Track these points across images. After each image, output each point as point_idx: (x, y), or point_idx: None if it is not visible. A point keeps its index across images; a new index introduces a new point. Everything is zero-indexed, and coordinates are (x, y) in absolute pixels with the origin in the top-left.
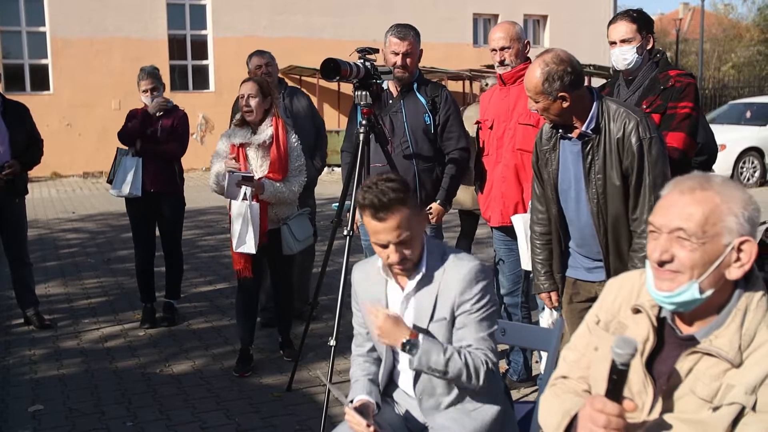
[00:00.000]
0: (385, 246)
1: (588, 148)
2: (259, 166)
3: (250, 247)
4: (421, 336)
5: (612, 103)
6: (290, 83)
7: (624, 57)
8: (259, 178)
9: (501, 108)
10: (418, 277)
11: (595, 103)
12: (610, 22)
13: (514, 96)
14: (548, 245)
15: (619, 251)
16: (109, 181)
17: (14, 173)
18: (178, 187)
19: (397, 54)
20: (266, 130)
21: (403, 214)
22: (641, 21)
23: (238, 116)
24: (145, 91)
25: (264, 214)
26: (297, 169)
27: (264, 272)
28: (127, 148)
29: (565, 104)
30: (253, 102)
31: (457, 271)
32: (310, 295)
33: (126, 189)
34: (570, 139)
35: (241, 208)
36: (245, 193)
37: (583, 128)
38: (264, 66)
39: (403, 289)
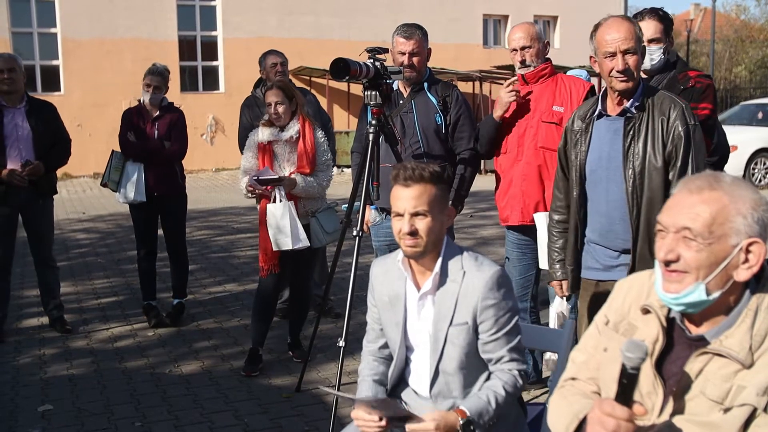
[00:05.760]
0: (401, 215)
1: (630, 126)
2: (286, 161)
3: (306, 240)
4: (464, 407)
5: (654, 87)
6: (299, 84)
7: (651, 56)
8: (290, 173)
9: (523, 106)
10: (433, 276)
11: (641, 82)
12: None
13: (536, 94)
14: (565, 233)
15: (650, 235)
16: (103, 184)
17: (36, 173)
18: (180, 187)
19: (403, 54)
20: (293, 127)
21: (427, 190)
22: (668, 22)
23: (265, 118)
24: (148, 86)
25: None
26: (324, 164)
27: (286, 274)
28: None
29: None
30: (280, 108)
31: (478, 276)
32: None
33: (131, 195)
34: (608, 116)
35: (283, 208)
36: (280, 194)
37: (628, 104)
38: (279, 65)
39: (419, 288)
